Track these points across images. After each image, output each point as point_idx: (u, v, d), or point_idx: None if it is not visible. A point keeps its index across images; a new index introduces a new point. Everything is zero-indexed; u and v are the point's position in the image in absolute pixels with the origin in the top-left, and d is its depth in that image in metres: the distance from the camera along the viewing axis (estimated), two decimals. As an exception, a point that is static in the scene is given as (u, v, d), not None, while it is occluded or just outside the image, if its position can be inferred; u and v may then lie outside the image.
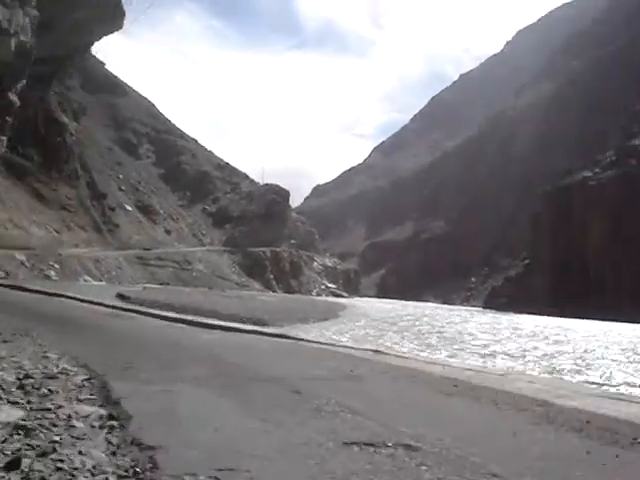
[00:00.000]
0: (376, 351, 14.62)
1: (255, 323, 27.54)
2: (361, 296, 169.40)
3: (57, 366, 8.78)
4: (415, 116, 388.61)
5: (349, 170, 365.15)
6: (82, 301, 24.06)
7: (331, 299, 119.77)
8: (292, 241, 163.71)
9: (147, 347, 12.91)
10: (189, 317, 19.67)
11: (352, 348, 15.06)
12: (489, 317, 74.82)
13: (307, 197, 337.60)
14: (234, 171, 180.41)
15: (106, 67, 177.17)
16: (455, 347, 25.89)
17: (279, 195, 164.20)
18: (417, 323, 47.21)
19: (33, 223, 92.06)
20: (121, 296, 40.81)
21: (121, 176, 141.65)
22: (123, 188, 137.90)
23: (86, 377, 8.05)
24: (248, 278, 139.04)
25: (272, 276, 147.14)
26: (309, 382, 9.24)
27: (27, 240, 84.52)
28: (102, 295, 42.78)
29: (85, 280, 78.01)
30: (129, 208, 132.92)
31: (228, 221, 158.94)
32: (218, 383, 8.80)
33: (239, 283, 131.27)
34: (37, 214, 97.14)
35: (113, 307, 22.31)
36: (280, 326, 28.11)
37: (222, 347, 13.67)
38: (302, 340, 15.99)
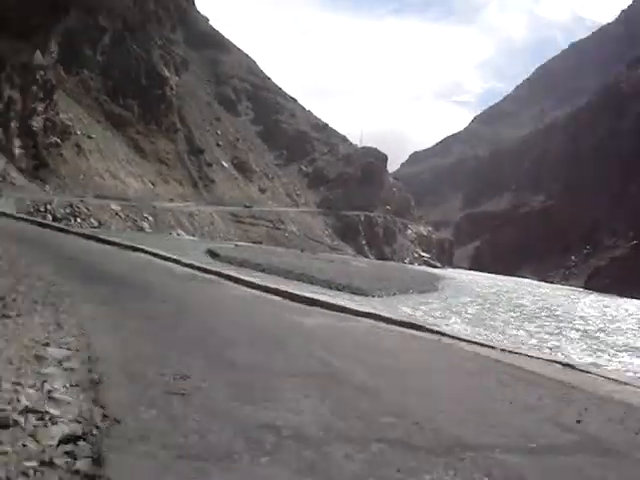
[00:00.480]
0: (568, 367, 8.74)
1: (353, 292, 23.89)
2: (454, 267, 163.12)
3: (40, 387, 4.81)
4: (520, 84, 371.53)
5: (447, 138, 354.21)
6: (162, 258, 20.44)
7: (423, 268, 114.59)
8: (387, 207, 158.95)
9: (219, 338, 8.19)
10: (282, 286, 15.59)
11: (526, 356, 9.33)
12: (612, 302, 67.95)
13: (403, 163, 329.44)
14: (332, 132, 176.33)
15: (210, 22, 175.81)
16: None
17: (377, 159, 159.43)
18: (535, 307, 41.86)
19: (130, 174, 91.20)
20: (211, 253, 37.79)
21: (219, 132, 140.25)
22: (220, 144, 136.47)
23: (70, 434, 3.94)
24: (340, 241, 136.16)
25: (365, 241, 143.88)
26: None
27: (123, 191, 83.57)
28: (191, 250, 39.78)
29: (178, 234, 76.28)
30: (225, 164, 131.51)
31: (323, 183, 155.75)
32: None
33: (331, 246, 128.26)
34: (135, 166, 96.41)
35: (193, 267, 18.61)
36: (379, 296, 24.19)
37: (339, 350, 8.61)
38: (445, 336, 10.66)
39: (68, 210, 49.93)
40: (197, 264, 19.23)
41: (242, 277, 16.65)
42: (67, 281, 11.31)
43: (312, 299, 13.46)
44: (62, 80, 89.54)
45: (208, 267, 18.57)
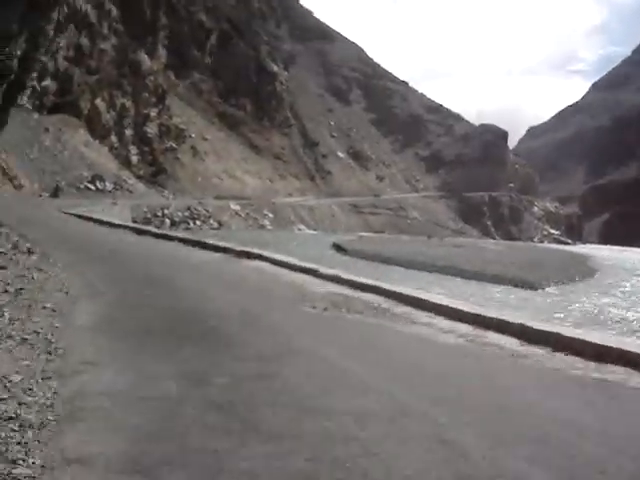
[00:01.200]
0: None
1: (517, 284, 19.50)
2: (584, 243, 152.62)
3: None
4: (638, 46, 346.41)
5: (565, 109, 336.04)
6: (289, 267, 14.89)
7: (560, 247, 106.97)
8: (510, 185, 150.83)
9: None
10: (435, 298, 10.08)
11: None
12: None
13: (521, 139, 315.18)
14: (447, 113, 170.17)
15: (314, 15, 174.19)
16: None
17: (496, 136, 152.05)
18: None
19: (247, 173, 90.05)
20: (337, 247, 34.66)
21: (332, 123, 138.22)
22: (335, 135, 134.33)
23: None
24: (464, 224, 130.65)
25: (490, 222, 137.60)
26: None
27: (241, 190, 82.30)
28: (316, 245, 36.71)
29: (299, 229, 74.00)
30: (341, 155, 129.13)
31: (442, 165, 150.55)
32: None
33: (455, 230, 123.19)
34: (251, 164, 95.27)
35: (339, 280, 12.30)
36: (548, 287, 19.85)
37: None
38: None
39: (186, 213, 48.36)
40: (345, 276, 12.97)
41: (392, 289, 11.70)
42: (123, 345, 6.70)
43: (505, 321, 8.54)
44: (173, 85, 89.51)
45: (367, 282, 12.10)
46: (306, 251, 27.73)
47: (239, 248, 17.62)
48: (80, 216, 23.75)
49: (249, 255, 16.63)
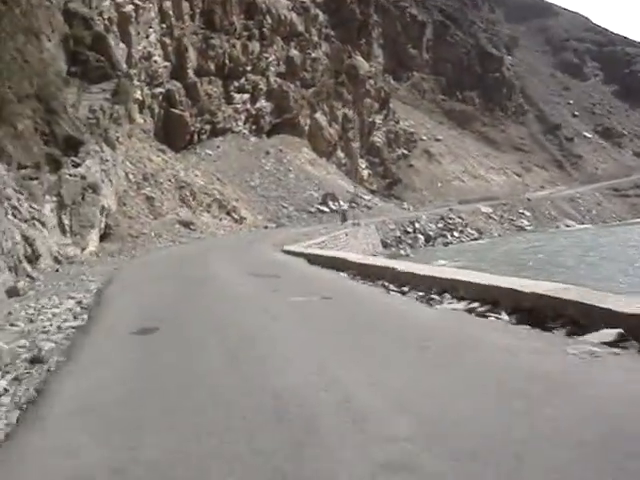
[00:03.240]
0: None
1: None
2: None
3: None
4: None
5: None
6: None
7: None
8: None
9: None
10: None
11: None
12: None
13: None
14: None
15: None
16: None
17: None
18: None
19: (490, 170, 79.35)
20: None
21: (571, 101, 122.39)
22: (576, 114, 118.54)
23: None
24: None
25: None
26: None
27: (487, 189, 71.88)
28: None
29: (567, 225, 61.62)
30: (588, 135, 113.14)
31: None
32: None
33: None
34: (492, 160, 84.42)
35: None
36: None
37: None
38: None
39: (440, 225, 39.13)
40: None
41: None
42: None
43: None
44: (393, 88, 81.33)
45: None
46: None
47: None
48: (311, 259, 14.72)
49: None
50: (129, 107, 24.52)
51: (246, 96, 54.16)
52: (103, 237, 19.85)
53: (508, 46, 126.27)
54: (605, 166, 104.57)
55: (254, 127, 54.38)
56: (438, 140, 79.82)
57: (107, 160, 21.71)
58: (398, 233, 33.43)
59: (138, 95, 41.63)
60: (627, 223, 66.61)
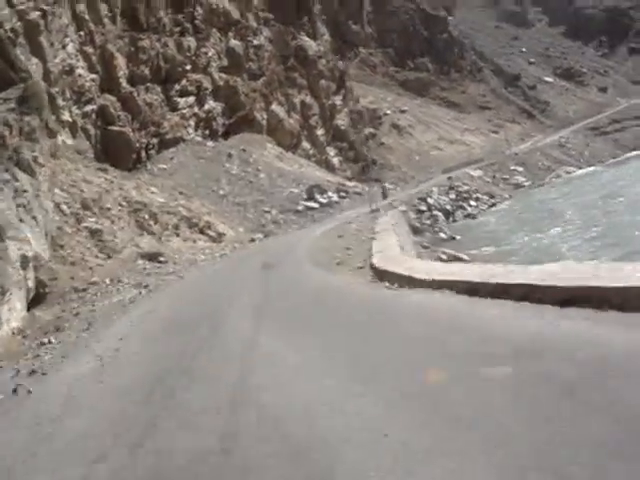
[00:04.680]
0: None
1: None
2: None
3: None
4: None
5: None
6: None
7: None
8: None
9: None
10: None
11: None
12: None
13: None
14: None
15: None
16: None
17: None
18: None
19: (465, 132, 73.89)
20: None
21: (524, 49, 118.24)
22: (532, 61, 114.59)
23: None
24: None
25: None
26: None
27: (468, 153, 66.15)
28: None
29: (567, 172, 56.81)
30: (549, 79, 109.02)
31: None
32: None
33: None
34: (464, 122, 78.95)
35: None
36: None
37: None
38: None
39: (452, 195, 33.32)
40: None
41: None
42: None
43: None
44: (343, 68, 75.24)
45: None
46: None
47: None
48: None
49: None
50: (45, 116, 18.03)
51: (191, 99, 47.61)
52: (35, 301, 13.36)
53: (447, 7, 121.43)
54: (575, 107, 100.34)
55: (207, 132, 47.92)
56: (403, 112, 74.06)
57: (25, 191, 15.30)
58: (412, 215, 27.48)
59: (67, 117, 35.13)
60: (627, 159, 61.77)
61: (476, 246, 18.93)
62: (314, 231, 23.09)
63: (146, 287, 14.75)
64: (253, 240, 26.12)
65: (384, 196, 34.89)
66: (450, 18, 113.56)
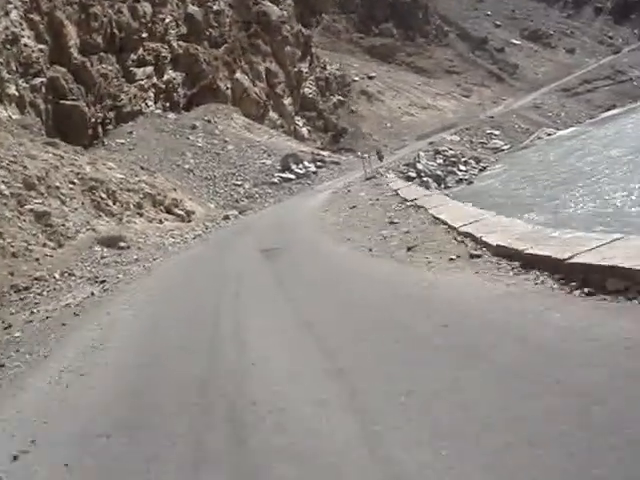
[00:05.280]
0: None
1: None
2: None
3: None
4: None
5: None
6: None
7: None
8: None
9: None
10: None
11: None
12: None
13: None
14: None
15: None
16: None
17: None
18: None
19: (437, 97, 71.41)
20: None
21: (489, 12, 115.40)
22: (499, 24, 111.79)
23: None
24: None
25: None
26: None
27: (442, 118, 63.71)
28: None
29: (548, 134, 54.50)
30: (517, 42, 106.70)
31: (630, 9, 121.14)
32: None
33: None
34: (433, 86, 76.44)
35: None
36: None
37: None
38: None
39: (440, 160, 30.75)
40: None
41: None
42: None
43: None
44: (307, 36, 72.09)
45: None
46: None
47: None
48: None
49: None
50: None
51: (149, 69, 44.36)
52: (-37, 304, 10.63)
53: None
54: (544, 69, 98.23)
55: (168, 104, 44.76)
56: (372, 78, 71.27)
57: (-50, 168, 12.42)
58: (402, 178, 25.09)
59: (12, 90, 31.92)
60: (604, 119, 60.10)
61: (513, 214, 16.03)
62: (304, 202, 20.26)
63: (102, 283, 11.87)
64: (227, 217, 23.28)
65: (380, 160, 32.59)
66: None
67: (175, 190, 24.48)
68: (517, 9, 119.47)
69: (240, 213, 24.66)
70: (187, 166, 31.85)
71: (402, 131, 60.37)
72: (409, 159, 31.52)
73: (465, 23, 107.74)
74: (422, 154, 32.57)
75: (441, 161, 31.88)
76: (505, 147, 51.13)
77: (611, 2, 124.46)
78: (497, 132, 55.48)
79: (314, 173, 32.61)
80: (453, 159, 32.78)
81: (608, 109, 73.98)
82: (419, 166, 28.57)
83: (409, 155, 35.23)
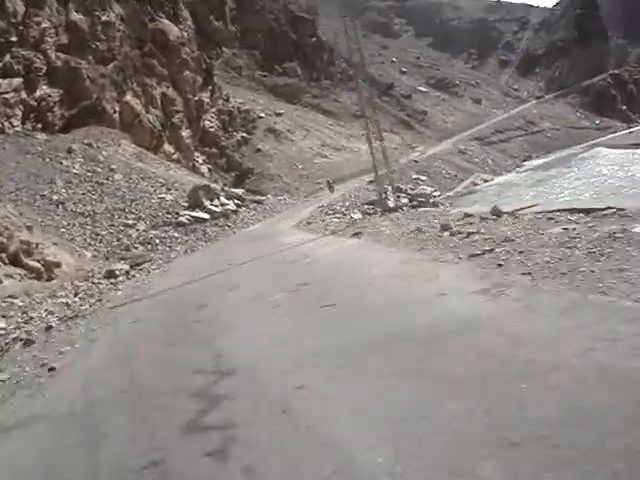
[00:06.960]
0: None
1: None
2: None
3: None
4: None
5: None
6: None
7: None
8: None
9: None
10: None
11: None
12: None
13: None
14: (514, 7, 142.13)
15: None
16: None
17: (588, 7, 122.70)
18: None
19: (351, 138, 65.72)
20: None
21: (394, 59, 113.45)
22: (404, 70, 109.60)
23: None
24: (602, 118, 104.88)
25: (625, 106, 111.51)
26: None
27: (357, 161, 57.52)
28: None
29: (484, 180, 49.51)
30: (424, 89, 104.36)
31: (534, 64, 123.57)
32: None
33: (598, 127, 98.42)
34: (342, 127, 70.92)
35: None
36: None
37: None
38: None
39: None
40: None
41: None
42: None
43: None
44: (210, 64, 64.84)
45: None
46: None
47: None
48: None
49: None
50: None
51: (17, 81, 35.59)
52: None
53: (314, 8, 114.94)
54: (453, 118, 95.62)
55: (40, 125, 35.90)
56: (279, 114, 64.67)
57: None
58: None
59: None
60: (542, 165, 56.30)
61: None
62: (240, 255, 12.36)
63: None
64: (114, 275, 14.33)
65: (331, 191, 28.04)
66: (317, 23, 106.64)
67: (29, 229, 15.91)
68: (422, 57, 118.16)
69: (132, 267, 16.05)
70: (56, 197, 23.14)
71: (315, 173, 53.68)
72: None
73: (371, 68, 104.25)
74: (389, 188, 25.75)
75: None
76: (436, 193, 45.33)
77: (516, 56, 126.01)
78: (424, 177, 49.87)
79: (234, 212, 24.91)
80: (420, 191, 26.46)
81: (524, 160, 71.50)
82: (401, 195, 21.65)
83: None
